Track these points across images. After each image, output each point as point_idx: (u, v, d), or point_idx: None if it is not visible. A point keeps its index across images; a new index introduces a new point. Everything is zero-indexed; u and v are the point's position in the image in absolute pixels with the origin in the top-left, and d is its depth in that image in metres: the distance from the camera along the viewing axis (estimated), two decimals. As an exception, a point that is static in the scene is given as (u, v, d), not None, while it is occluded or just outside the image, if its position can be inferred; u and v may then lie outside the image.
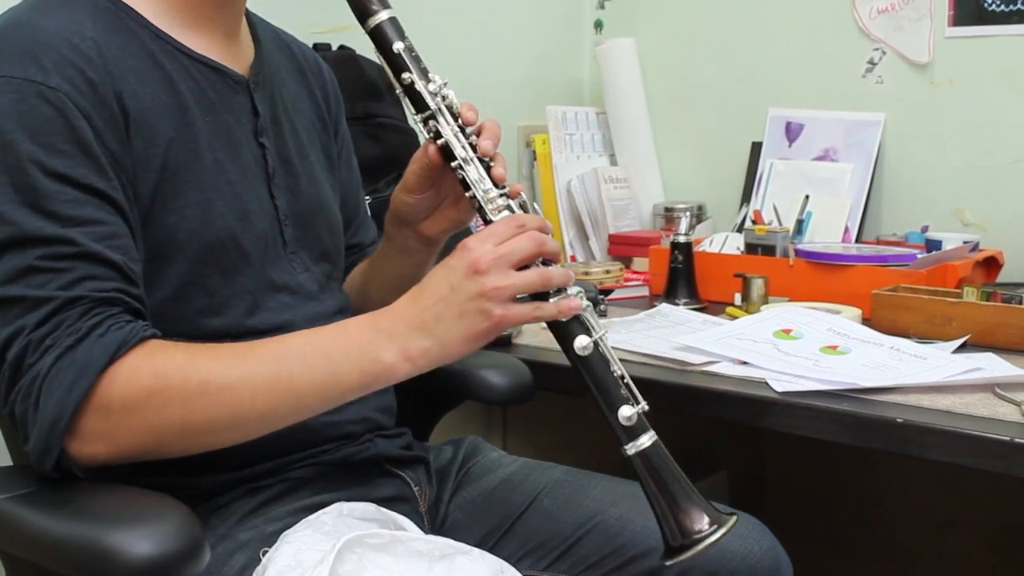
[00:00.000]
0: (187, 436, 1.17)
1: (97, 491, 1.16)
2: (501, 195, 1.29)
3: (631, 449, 1.24)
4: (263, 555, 1.20)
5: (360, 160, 2.09)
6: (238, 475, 1.30)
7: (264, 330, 1.31)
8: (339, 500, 1.30)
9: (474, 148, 1.31)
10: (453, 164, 1.31)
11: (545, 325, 1.27)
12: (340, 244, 1.52)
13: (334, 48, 2.20)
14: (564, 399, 1.78)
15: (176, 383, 1.14)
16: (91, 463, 1.14)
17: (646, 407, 1.25)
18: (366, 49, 1.33)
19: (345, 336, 1.22)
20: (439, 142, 1.32)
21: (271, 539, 1.23)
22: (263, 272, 1.34)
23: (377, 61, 1.34)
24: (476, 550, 1.17)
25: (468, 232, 1.81)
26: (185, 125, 1.28)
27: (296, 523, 1.23)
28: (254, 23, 1.47)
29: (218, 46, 1.36)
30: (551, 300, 1.24)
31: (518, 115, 2.74)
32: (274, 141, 1.40)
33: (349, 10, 1.34)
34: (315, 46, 2.15)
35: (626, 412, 1.23)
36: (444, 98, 1.32)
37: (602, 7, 2.92)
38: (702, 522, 1.22)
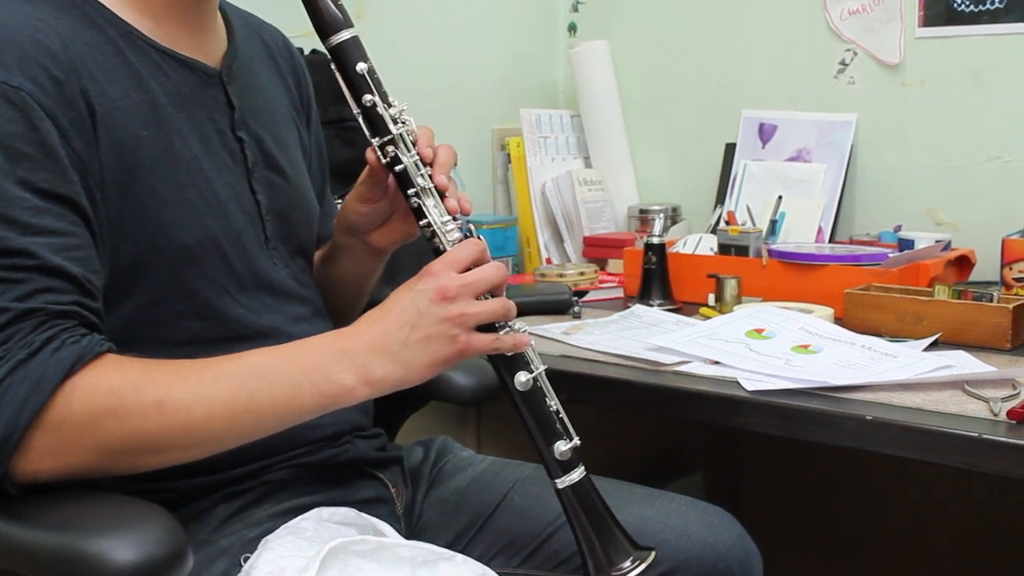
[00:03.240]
0: (137, 455, 1.13)
1: (72, 499, 1.13)
2: (455, 225, 1.31)
3: (562, 483, 1.28)
4: (244, 561, 1.20)
5: (333, 164, 2.09)
6: (215, 478, 1.28)
7: (248, 335, 1.30)
8: (319, 503, 1.30)
9: (431, 177, 1.32)
10: (410, 192, 1.31)
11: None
12: (314, 238, 1.51)
13: (307, 52, 2.19)
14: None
15: (130, 402, 1.10)
16: (32, 480, 1.10)
17: (578, 442, 1.29)
18: (339, 54, 1.34)
19: (306, 356, 1.20)
20: (397, 169, 1.31)
21: (252, 545, 1.22)
22: (245, 271, 1.32)
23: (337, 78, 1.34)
24: (459, 556, 1.18)
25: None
26: (157, 123, 1.25)
27: (276, 528, 1.23)
28: (227, 12, 1.44)
29: (189, 39, 1.33)
30: (502, 333, 1.26)
31: (492, 118, 2.74)
32: (252, 134, 1.37)
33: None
34: (287, 50, 2.15)
35: (561, 447, 1.28)
36: (403, 123, 1.32)
37: (576, 10, 2.92)
38: (625, 559, 1.28)
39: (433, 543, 1.21)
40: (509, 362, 1.28)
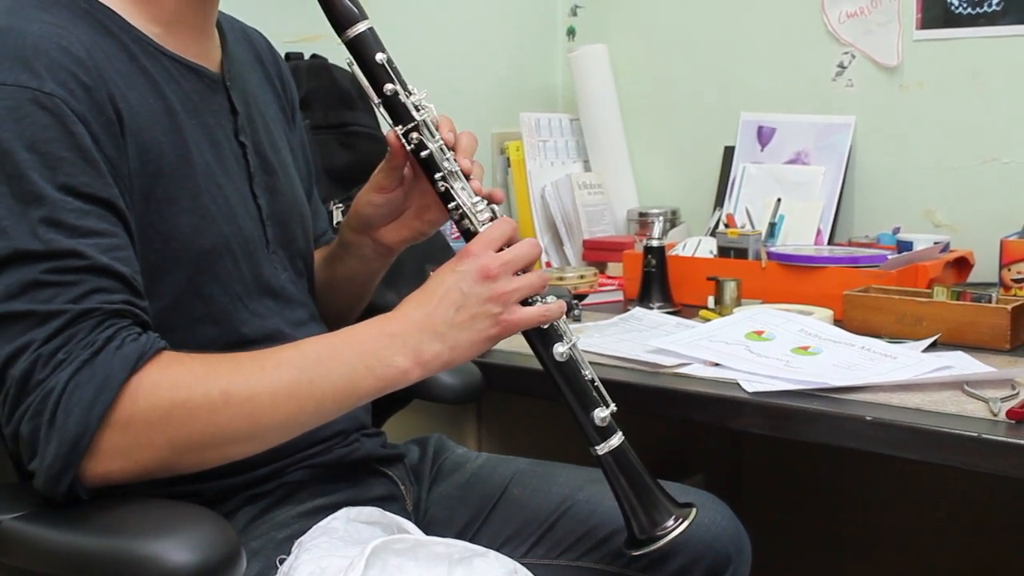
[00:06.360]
0: (207, 448, 1.14)
1: (118, 504, 1.13)
2: (485, 206, 1.33)
3: (603, 449, 1.31)
4: (279, 563, 1.21)
5: (333, 168, 2.10)
6: (239, 480, 1.29)
7: (255, 339, 1.31)
8: (337, 502, 1.32)
9: (456, 161, 1.35)
10: (437, 176, 1.33)
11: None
12: (311, 240, 1.52)
13: (306, 57, 2.20)
14: (533, 401, 1.81)
15: (198, 395, 1.12)
16: (102, 482, 1.10)
17: (615, 408, 1.32)
18: (338, 58, 1.34)
19: (359, 342, 1.22)
20: (423, 154, 1.33)
21: (283, 546, 1.25)
22: (251, 276, 1.34)
23: (351, 70, 1.35)
24: (491, 552, 1.20)
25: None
26: (174, 129, 1.26)
27: (303, 528, 1.25)
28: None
29: (193, 45, 1.34)
30: (537, 306, 1.29)
31: (492, 122, 2.74)
32: (251, 139, 1.39)
33: (320, 19, 1.34)
34: (287, 55, 2.15)
35: (600, 414, 1.30)
36: (425, 109, 1.34)
37: (575, 14, 2.93)
38: (668, 518, 1.31)
39: (440, 538, 1.22)
40: (544, 335, 1.31)
